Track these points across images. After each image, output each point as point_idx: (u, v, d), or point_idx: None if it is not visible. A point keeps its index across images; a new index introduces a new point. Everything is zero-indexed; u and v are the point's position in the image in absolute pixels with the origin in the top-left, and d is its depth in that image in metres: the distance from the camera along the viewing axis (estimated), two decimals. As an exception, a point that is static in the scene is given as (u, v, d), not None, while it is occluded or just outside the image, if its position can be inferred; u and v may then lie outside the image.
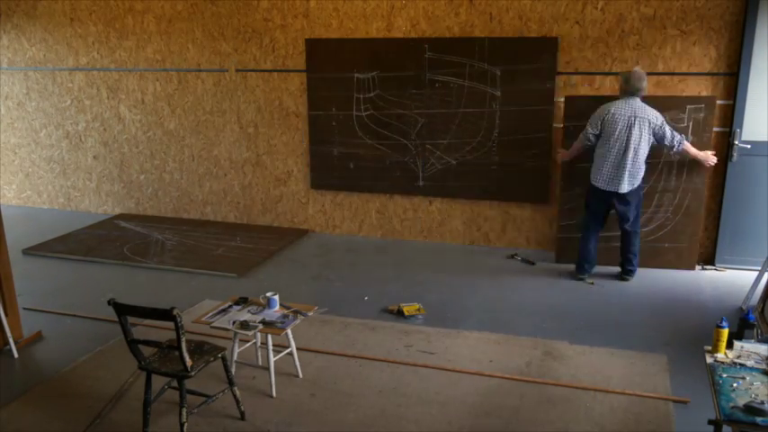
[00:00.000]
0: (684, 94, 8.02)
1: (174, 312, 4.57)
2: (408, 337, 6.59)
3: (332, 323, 6.90)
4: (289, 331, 5.51)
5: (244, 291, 7.29)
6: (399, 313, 7.08)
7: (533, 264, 8.63)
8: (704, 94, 7.97)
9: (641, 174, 7.65)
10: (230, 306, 5.73)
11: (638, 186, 7.71)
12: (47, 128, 11.15)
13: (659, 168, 8.04)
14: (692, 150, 7.71)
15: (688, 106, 7.87)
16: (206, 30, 9.71)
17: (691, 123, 7.89)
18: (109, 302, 4.77)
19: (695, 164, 7.91)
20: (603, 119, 7.54)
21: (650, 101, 7.64)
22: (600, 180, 7.67)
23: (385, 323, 6.89)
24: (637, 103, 7.48)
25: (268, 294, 5.76)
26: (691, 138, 7.84)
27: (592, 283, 7.94)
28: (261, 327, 5.41)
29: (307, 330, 6.64)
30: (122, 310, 4.77)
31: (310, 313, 5.75)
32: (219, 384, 5.54)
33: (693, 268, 8.28)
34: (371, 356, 6.21)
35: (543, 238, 8.96)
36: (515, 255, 8.85)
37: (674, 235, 8.21)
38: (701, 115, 7.85)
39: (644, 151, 7.56)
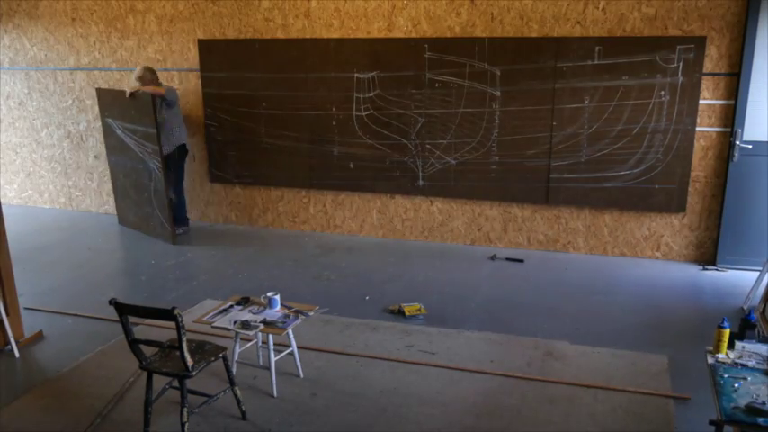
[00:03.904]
0: (673, 34, 8.02)
1: (176, 312, 4.55)
2: (409, 336, 6.57)
3: (333, 323, 6.89)
4: (290, 331, 5.50)
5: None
6: (400, 313, 7.07)
7: (521, 261, 8.70)
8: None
9: None
10: (231, 306, 5.72)
11: None
12: (48, 127, 11.15)
13: (649, 109, 8.09)
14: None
15: (678, 46, 7.88)
16: (207, 30, 9.70)
17: (681, 64, 7.91)
18: (110, 302, 4.75)
19: (685, 106, 7.98)
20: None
21: (639, 41, 7.91)
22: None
23: (386, 323, 6.87)
24: None
25: (269, 294, 5.73)
26: (681, 78, 7.93)
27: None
28: (262, 327, 5.39)
29: (308, 330, 6.62)
30: (123, 309, 4.77)
31: (311, 313, 5.72)
32: (221, 384, 5.54)
33: (684, 210, 8.32)
34: (372, 355, 6.21)
35: (544, 237, 9.02)
36: (494, 255, 8.89)
37: (664, 176, 8.26)
38: (691, 56, 7.87)
39: None
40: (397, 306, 7.21)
